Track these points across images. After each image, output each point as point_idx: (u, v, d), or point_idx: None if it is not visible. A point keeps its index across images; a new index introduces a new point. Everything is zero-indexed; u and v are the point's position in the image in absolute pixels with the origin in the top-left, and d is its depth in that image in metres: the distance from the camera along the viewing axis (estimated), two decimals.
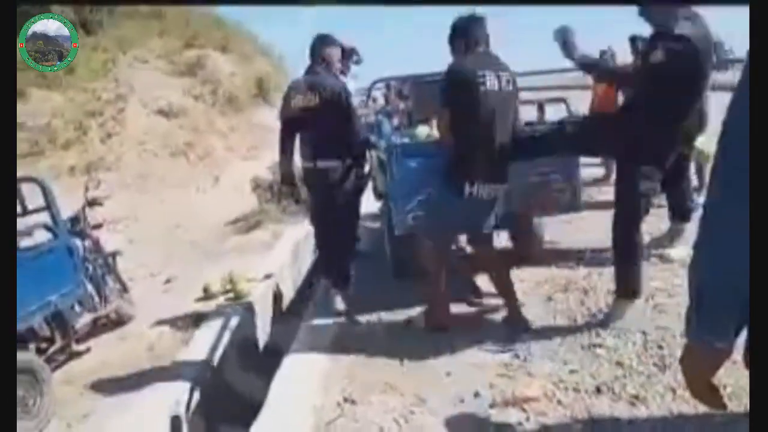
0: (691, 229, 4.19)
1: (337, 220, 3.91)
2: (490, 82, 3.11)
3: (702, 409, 2.37)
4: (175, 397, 3.38)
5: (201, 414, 3.49)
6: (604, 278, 3.84)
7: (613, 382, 2.67)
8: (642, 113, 3.10)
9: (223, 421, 3.53)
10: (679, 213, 4.32)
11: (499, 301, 3.63)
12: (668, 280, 3.70)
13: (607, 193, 6.30)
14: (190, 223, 7.99)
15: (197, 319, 4.53)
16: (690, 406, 2.42)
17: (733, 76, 7.23)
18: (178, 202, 8.82)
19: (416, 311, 3.70)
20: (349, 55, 4.38)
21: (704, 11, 3.06)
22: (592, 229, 4.55)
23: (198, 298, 4.99)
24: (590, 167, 5.96)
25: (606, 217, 3.41)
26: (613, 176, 6.76)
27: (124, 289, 4.87)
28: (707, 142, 4.55)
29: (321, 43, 3.94)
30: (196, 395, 3.52)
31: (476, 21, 3.26)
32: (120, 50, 11.69)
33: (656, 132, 3.09)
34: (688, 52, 2.91)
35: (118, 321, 4.68)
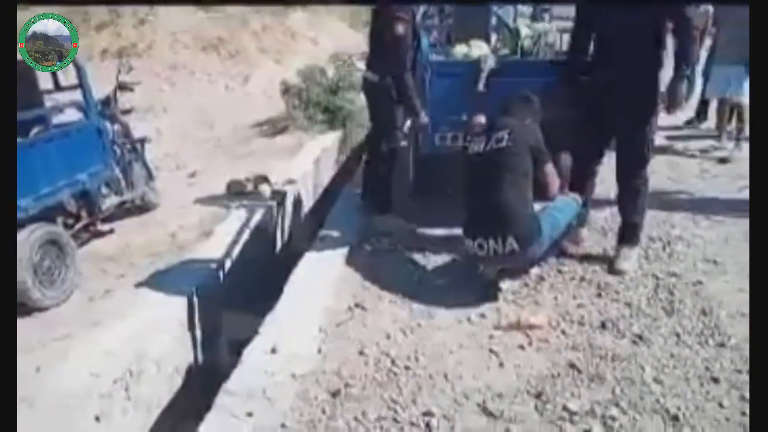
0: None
1: (377, 132, 3.92)
2: None
3: (703, 355, 2.43)
4: (192, 285, 3.51)
5: (215, 304, 3.64)
6: None
7: (619, 320, 2.72)
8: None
9: (236, 313, 3.68)
10: None
11: None
12: (689, 229, 3.67)
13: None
14: (218, 119, 7.98)
15: (219, 214, 4.63)
16: (692, 351, 2.47)
17: None
18: (207, 97, 8.78)
19: (435, 232, 3.74)
20: None
21: None
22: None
23: (221, 194, 5.07)
24: None
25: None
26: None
27: (150, 176, 4.94)
28: None
29: None
30: (212, 287, 3.66)
31: None
32: None
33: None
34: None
35: (143, 207, 4.81)
